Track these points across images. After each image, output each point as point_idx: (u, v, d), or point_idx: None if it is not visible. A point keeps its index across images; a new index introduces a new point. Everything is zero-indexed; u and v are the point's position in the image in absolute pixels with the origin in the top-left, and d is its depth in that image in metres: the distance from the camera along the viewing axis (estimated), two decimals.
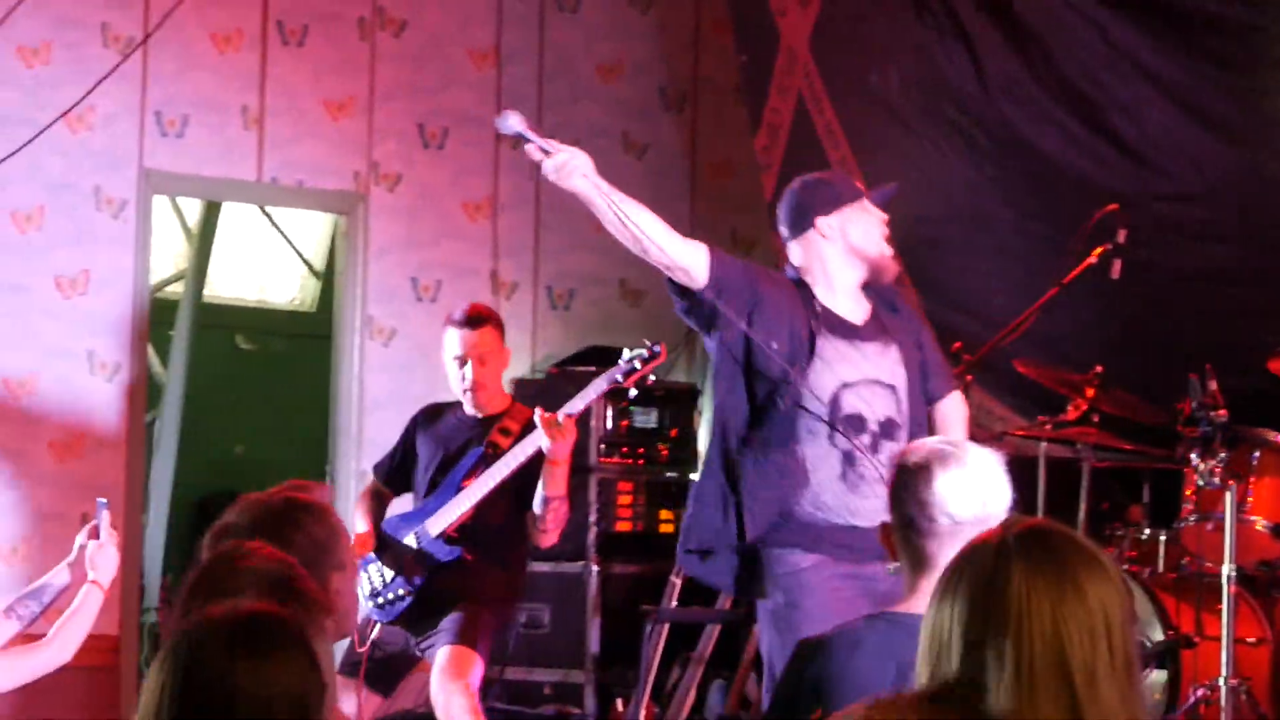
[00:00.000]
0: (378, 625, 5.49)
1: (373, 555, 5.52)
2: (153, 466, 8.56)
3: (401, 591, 5.47)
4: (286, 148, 7.81)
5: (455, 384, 5.60)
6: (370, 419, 7.86)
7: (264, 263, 9.79)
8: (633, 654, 6.81)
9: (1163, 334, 6.76)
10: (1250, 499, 5.80)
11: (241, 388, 9.59)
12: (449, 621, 5.35)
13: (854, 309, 4.52)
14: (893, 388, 4.46)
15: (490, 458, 5.46)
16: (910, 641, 2.27)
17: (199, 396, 9.05)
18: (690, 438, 7.75)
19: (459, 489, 5.47)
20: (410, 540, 5.50)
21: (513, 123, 4.20)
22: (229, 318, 9.67)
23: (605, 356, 7.32)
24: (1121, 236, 5.85)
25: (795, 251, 4.54)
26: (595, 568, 7.30)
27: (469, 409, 5.62)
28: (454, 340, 5.59)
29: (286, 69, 7.83)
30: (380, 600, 5.48)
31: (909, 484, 3.09)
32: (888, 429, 4.41)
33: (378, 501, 5.74)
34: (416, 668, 5.58)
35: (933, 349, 4.70)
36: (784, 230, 4.57)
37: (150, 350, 8.19)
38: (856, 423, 4.38)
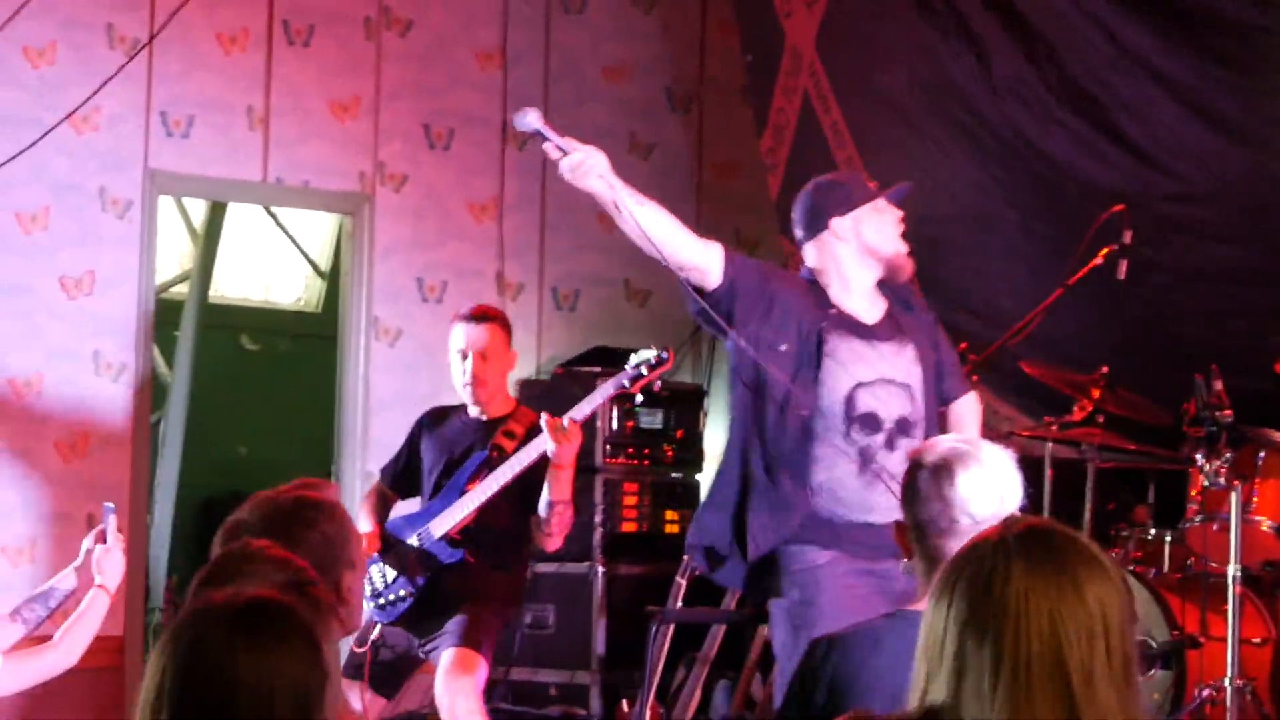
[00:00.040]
0: (378, 626, 5.49)
1: (376, 556, 5.51)
2: (158, 467, 8.57)
3: (404, 592, 5.47)
4: (292, 148, 7.80)
5: (457, 378, 5.60)
6: (375, 420, 7.86)
7: (269, 263, 9.79)
8: (638, 654, 6.79)
9: (1168, 334, 6.76)
10: (1255, 499, 5.80)
11: (247, 388, 9.58)
12: (453, 624, 5.35)
13: (869, 309, 4.53)
14: (907, 387, 4.46)
15: (494, 461, 5.45)
16: None
17: (204, 397, 9.06)
18: (696, 438, 7.73)
19: (463, 492, 5.46)
20: (414, 541, 5.50)
21: (531, 120, 4.19)
22: (234, 318, 9.67)
23: (611, 357, 7.33)
24: (1127, 237, 5.84)
25: (810, 253, 4.55)
26: (600, 568, 7.29)
27: (471, 408, 5.61)
28: (458, 334, 5.61)
29: (292, 69, 7.83)
30: (382, 601, 5.48)
31: (928, 483, 3.08)
32: (903, 427, 4.41)
33: (382, 503, 5.74)
34: (420, 670, 5.58)
35: (948, 349, 4.72)
36: (798, 232, 4.58)
37: (155, 351, 8.19)
38: (871, 421, 4.39)
